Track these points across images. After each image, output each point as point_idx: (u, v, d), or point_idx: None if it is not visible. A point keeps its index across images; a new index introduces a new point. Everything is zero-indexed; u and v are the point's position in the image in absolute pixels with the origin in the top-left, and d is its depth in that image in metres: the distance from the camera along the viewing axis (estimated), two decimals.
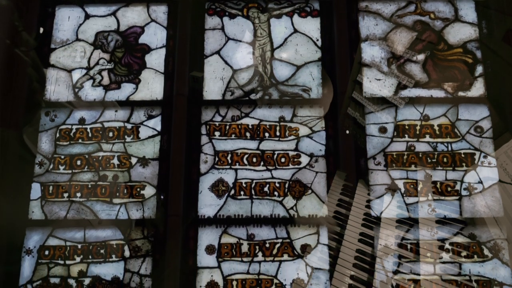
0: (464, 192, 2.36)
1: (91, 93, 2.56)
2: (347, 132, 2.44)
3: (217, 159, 2.44)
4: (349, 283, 2.19)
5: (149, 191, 2.40)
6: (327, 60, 2.60)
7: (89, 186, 2.41)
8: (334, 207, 2.37)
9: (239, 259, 2.31)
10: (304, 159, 2.43)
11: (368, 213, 2.33)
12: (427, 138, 2.45)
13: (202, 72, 2.57)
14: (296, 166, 2.42)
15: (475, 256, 2.28)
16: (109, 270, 2.30)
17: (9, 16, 2.61)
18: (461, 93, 2.51)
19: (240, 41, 2.65)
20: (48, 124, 2.52)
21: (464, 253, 2.29)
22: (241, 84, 2.56)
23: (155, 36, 2.66)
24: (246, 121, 2.50)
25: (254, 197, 2.38)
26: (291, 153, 2.44)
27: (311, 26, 2.65)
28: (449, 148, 2.42)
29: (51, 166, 2.45)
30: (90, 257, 2.32)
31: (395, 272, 2.25)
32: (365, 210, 2.35)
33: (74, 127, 2.51)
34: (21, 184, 2.42)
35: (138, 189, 2.40)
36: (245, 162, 2.43)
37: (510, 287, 2.24)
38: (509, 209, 2.29)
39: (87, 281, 2.29)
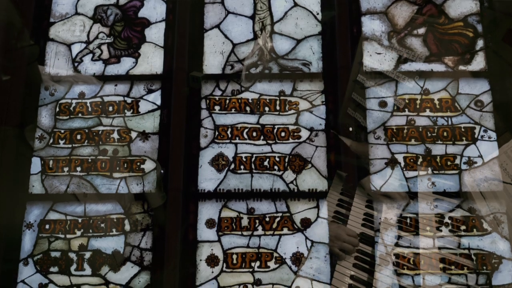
0: (464, 166, 2.17)
1: (90, 67, 2.36)
2: (350, 129, 2.24)
3: (217, 133, 2.24)
4: (349, 283, 2.02)
5: (149, 166, 2.21)
6: (327, 34, 2.38)
7: (89, 160, 2.23)
8: (334, 207, 2.18)
9: (239, 233, 2.14)
10: (304, 133, 2.24)
11: (368, 213, 2.15)
12: (427, 112, 2.25)
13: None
14: (296, 140, 2.23)
15: (474, 230, 2.11)
16: (109, 244, 2.13)
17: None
18: (461, 67, 2.30)
19: (240, 15, 2.42)
20: (48, 99, 2.33)
21: (463, 227, 2.11)
22: (241, 58, 2.35)
23: (155, 10, 2.44)
24: (246, 95, 2.30)
25: (254, 171, 2.20)
26: (291, 127, 2.25)
27: (311, 0, 2.42)
28: (449, 122, 2.23)
29: (51, 141, 2.26)
30: (90, 231, 2.15)
31: (395, 246, 2.09)
32: (365, 210, 2.16)
33: (74, 101, 2.32)
34: (21, 158, 2.23)
35: (138, 163, 2.21)
36: (245, 136, 2.24)
37: (509, 261, 2.07)
38: (510, 210, 2.10)
39: (87, 254, 2.12)
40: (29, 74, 2.36)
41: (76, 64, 2.36)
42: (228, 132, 2.25)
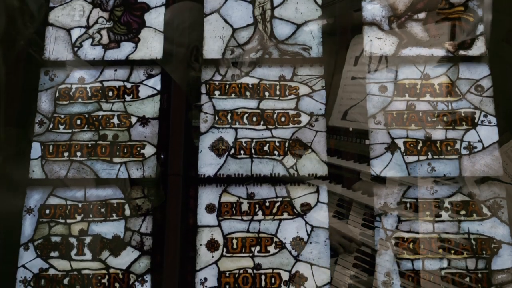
0: (464, 151, 2.05)
1: (90, 52, 2.22)
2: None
3: (217, 118, 2.11)
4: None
5: (149, 151, 2.08)
6: (326, 14, 2.23)
7: (89, 145, 2.10)
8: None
9: (239, 217, 2.02)
10: (304, 118, 2.11)
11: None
12: (428, 97, 2.12)
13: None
14: (296, 125, 2.10)
15: (474, 214, 1.99)
16: (109, 228, 2.02)
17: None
18: (462, 52, 2.16)
19: None
20: (47, 84, 2.19)
21: (463, 212, 1.99)
22: (241, 43, 2.21)
23: None
24: (246, 80, 2.16)
25: (254, 156, 2.07)
26: (291, 112, 2.12)
27: None
28: (449, 107, 2.10)
29: (51, 126, 2.13)
30: (90, 216, 2.03)
31: (394, 231, 1.98)
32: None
33: (74, 86, 2.18)
34: (21, 143, 2.11)
35: (138, 148, 2.09)
36: (245, 121, 2.11)
37: (508, 245, 1.95)
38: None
39: (88, 239, 2.00)
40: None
41: (75, 49, 2.23)
42: (228, 117, 2.12)
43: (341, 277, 1.92)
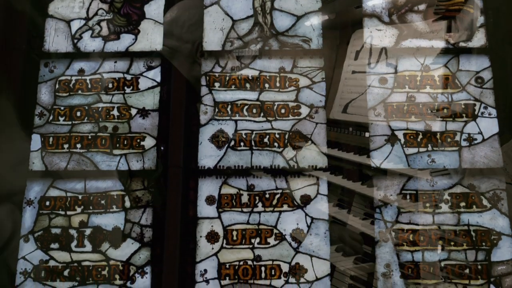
0: (464, 143, 2.01)
1: (90, 43, 2.17)
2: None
3: (217, 110, 2.07)
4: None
5: (149, 142, 2.04)
6: (327, 10, 2.18)
7: (89, 137, 2.05)
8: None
9: (239, 209, 1.99)
10: (304, 110, 2.06)
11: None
12: (428, 89, 2.07)
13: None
14: (296, 117, 2.06)
15: (474, 206, 1.95)
16: (109, 220, 1.98)
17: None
18: (462, 44, 2.12)
19: None
20: (47, 75, 2.14)
21: (462, 204, 1.95)
22: (240, 34, 2.16)
23: None
24: (246, 72, 2.11)
25: (254, 148, 2.03)
26: (291, 104, 2.07)
27: None
28: (450, 99, 2.05)
29: (51, 117, 2.08)
30: (90, 207, 1.99)
31: (394, 222, 1.94)
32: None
33: (74, 78, 2.13)
34: (21, 135, 2.07)
35: (138, 140, 2.04)
36: (245, 113, 2.06)
37: (508, 237, 1.92)
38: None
39: (88, 231, 1.97)
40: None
41: (75, 40, 2.18)
42: (228, 109, 2.08)
43: (341, 277, 1.89)
